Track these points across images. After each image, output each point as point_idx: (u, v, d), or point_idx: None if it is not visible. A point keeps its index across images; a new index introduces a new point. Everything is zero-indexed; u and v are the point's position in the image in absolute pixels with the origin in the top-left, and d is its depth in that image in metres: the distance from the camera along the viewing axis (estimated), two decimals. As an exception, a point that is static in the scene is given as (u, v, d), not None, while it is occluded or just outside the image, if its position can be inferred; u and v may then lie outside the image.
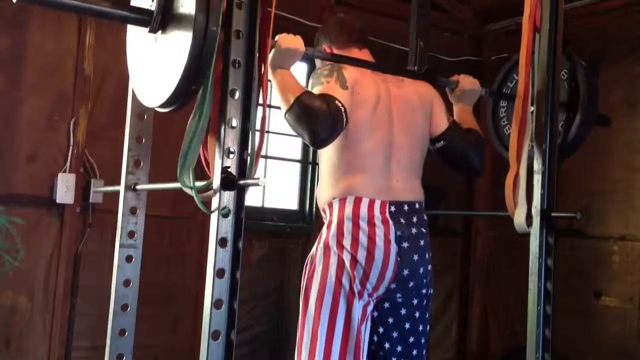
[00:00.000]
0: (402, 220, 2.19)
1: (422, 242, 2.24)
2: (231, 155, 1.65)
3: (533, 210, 2.24)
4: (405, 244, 2.18)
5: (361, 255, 2.11)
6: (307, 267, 2.19)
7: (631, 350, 3.58)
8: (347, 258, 2.10)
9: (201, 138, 1.69)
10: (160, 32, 1.74)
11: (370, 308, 2.17)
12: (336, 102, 2.06)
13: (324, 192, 2.23)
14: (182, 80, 1.64)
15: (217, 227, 1.62)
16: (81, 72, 3.18)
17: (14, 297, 3.03)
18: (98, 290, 2.89)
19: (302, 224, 3.86)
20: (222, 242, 1.62)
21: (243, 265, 1.66)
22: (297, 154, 3.97)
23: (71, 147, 3.13)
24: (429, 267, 2.26)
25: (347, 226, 2.12)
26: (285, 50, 2.07)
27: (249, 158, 1.68)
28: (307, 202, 3.92)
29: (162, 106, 1.77)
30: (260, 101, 1.74)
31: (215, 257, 1.61)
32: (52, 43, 3.14)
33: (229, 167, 1.64)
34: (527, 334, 2.20)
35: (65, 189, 3.08)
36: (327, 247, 2.14)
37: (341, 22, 2.42)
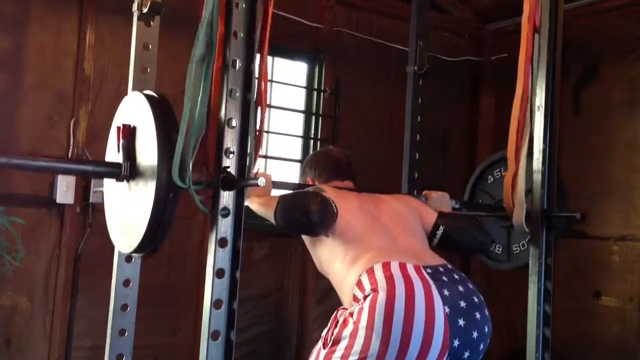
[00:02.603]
0: (445, 279, 1.94)
1: (476, 299, 1.97)
2: (231, 155, 1.65)
3: (533, 210, 2.24)
4: (462, 303, 1.91)
5: (395, 336, 1.80)
6: (338, 323, 1.96)
7: (631, 350, 3.57)
8: (375, 341, 1.81)
9: (195, 136, 1.67)
10: (130, 181, 1.75)
11: None
12: (322, 193, 2.06)
13: (347, 283, 1.99)
14: (148, 230, 1.65)
15: (217, 227, 1.62)
16: (81, 72, 3.17)
17: (14, 297, 3.02)
18: (98, 290, 2.89)
19: (302, 224, 3.85)
20: (221, 242, 1.62)
21: (243, 265, 1.66)
22: (297, 154, 3.96)
23: (71, 147, 3.13)
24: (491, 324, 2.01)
25: (381, 297, 1.83)
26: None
27: (248, 158, 1.68)
28: (307, 202, 3.89)
29: (133, 252, 1.77)
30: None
31: (214, 257, 1.62)
32: (52, 43, 3.14)
33: (228, 167, 1.64)
34: (527, 334, 2.20)
35: (65, 189, 3.08)
36: (356, 330, 1.85)
37: (328, 158, 2.40)
